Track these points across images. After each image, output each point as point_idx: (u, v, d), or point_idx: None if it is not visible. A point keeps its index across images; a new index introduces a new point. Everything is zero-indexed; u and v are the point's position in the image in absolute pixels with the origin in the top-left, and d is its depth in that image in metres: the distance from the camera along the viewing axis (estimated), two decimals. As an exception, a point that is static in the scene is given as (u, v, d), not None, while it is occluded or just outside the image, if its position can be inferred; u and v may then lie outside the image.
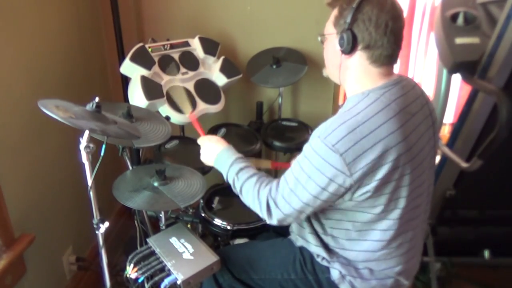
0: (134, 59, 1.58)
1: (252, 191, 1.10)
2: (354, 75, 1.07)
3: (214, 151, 1.22)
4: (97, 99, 1.10)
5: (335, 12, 1.06)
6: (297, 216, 1.07)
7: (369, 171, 0.96)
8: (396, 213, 1.04)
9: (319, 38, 1.13)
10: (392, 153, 0.96)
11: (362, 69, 1.05)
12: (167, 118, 1.58)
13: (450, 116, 2.34)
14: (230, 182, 1.16)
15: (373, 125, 0.96)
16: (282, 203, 1.05)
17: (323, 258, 1.14)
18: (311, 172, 0.99)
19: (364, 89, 1.04)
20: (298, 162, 1.03)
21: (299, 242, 1.22)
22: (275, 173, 1.92)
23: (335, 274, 1.12)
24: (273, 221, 1.09)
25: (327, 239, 1.14)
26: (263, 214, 1.09)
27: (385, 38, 0.99)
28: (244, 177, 1.13)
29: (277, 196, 1.06)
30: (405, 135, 0.98)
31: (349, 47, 1.01)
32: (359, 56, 1.03)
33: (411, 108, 1.03)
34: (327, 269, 1.14)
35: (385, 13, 0.97)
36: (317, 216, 1.14)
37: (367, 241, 1.08)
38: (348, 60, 1.05)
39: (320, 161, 0.97)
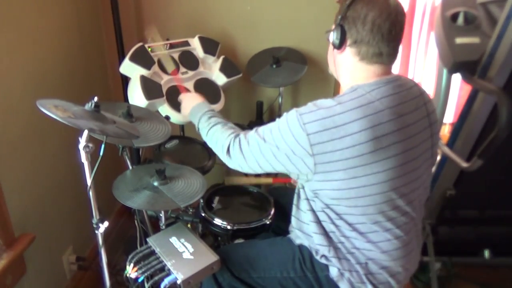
0: (133, 59, 1.58)
1: (217, 133, 1.20)
2: (347, 72, 1.09)
3: (190, 103, 1.36)
4: (96, 98, 1.10)
5: None
6: (255, 168, 1.12)
7: (335, 158, 0.98)
8: (377, 215, 1.04)
9: (326, 35, 1.14)
10: (360, 149, 0.97)
11: (352, 65, 1.06)
12: (167, 117, 1.57)
13: (450, 116, 2.34)
14: (200, 128, 1.27)
15: (348, 118, 0.98)
16: (245, 148, 1.11)
17: (322, 256, 1.14)
18: (277, 136, 1.05)
19: (354, 83, 1.06)
20: (273, 123, 1.09)
21: (298, 240, 1.22)
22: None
23: (334, 271, 1.12)
24: (232, 164, 1.16)
25: (327, 227, 1.13)
26: (223, 154, 1.17)
27: (371, 35, 1.00)
28: (213, 122, 1.24)
29: (242, 142, 1.12)
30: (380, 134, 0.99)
31: (338, 42, 1.05)
32: (349, 52, 1.06)
33: (401, 108, 1.03)
34: (326, 267, 1.14)
35: (375, 11, 0.98)
36: (313, 209, 1.14)
37: (358, 240, 1.09)
38: (340, 56, 1.08)
39: (288, 132, 1.02)
